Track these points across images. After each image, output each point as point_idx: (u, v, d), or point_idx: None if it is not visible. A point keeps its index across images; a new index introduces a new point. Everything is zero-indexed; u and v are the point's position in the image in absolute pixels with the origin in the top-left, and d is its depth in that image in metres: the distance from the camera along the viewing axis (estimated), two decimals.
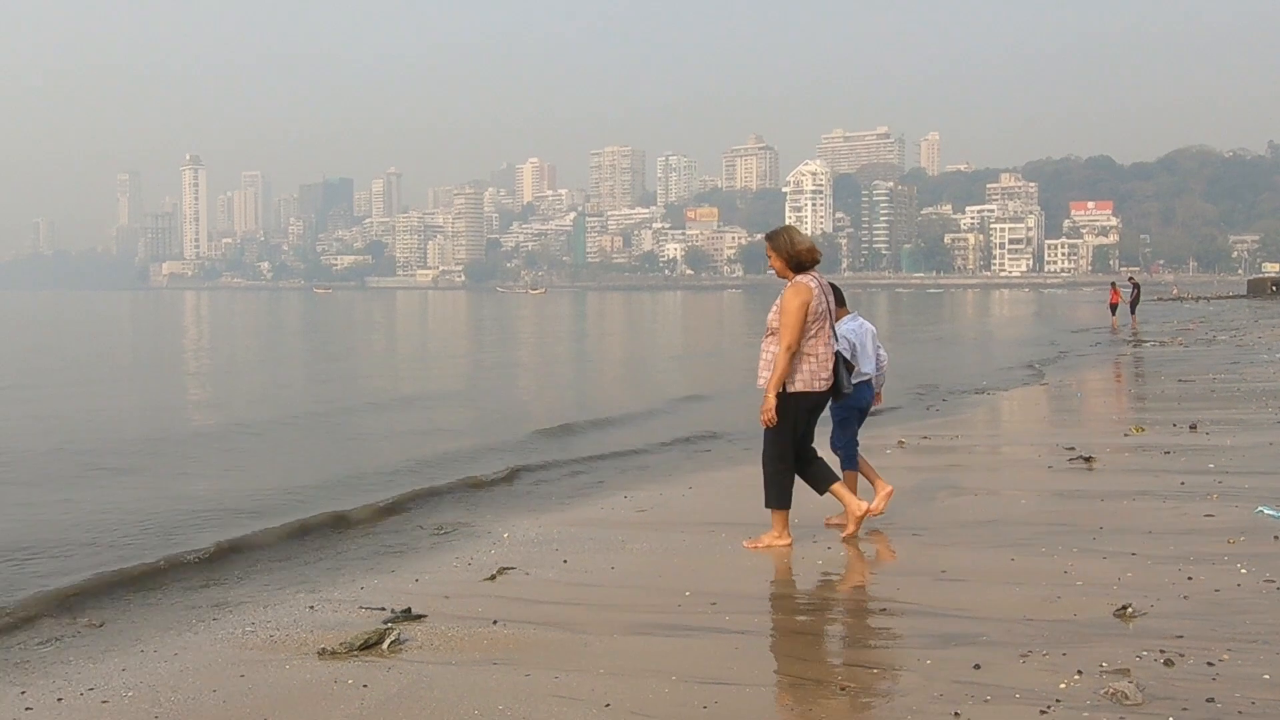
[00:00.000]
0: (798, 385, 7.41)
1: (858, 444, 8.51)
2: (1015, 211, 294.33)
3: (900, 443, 12.81)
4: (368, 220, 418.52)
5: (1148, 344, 32.39)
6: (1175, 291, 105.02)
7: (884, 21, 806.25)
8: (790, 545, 7.64)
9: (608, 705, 4.77)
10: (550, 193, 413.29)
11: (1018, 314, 74.50)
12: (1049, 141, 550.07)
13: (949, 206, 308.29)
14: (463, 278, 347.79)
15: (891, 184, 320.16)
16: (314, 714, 4.84)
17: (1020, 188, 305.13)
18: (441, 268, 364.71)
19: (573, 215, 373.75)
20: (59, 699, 5.26)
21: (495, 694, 4.98)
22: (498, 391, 24.15)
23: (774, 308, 7.55)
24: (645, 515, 9.34)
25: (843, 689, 4.79)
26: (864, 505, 7.78)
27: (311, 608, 6.78)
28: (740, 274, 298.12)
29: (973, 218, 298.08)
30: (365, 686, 5.16)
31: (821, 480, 7.71)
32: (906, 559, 7.20)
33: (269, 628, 6.34)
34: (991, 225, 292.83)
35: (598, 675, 5.21)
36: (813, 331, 7.42)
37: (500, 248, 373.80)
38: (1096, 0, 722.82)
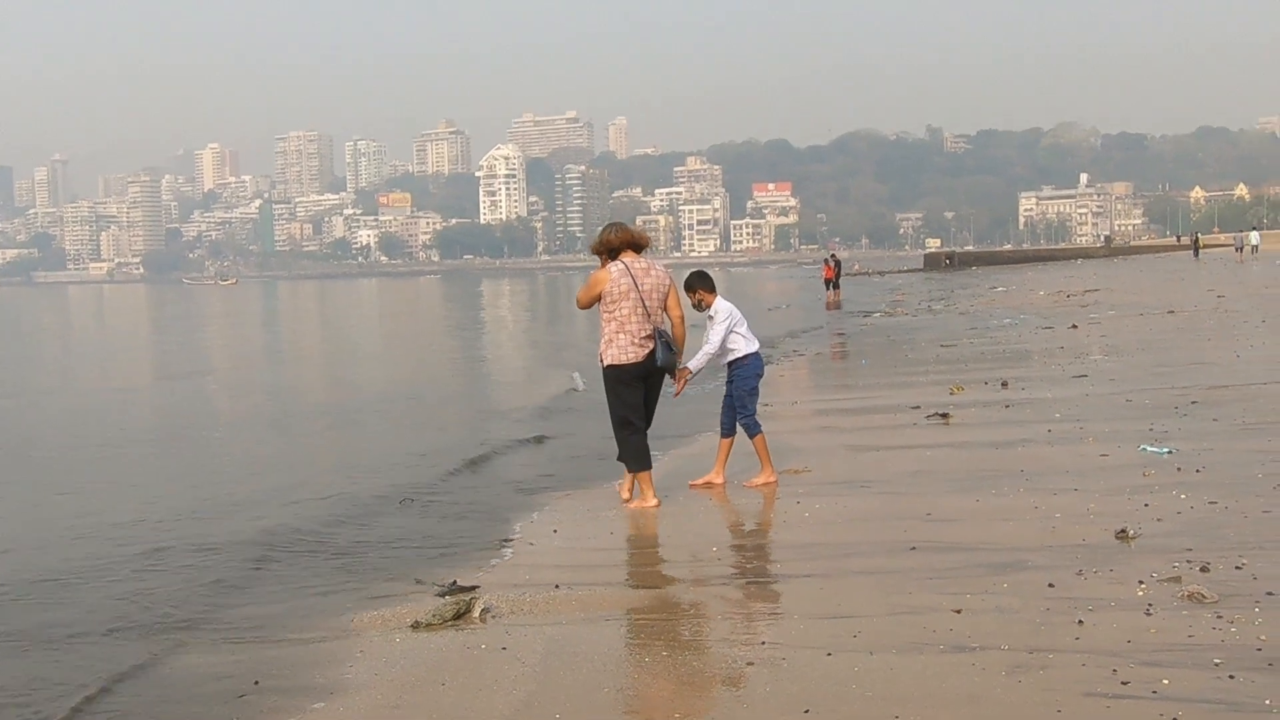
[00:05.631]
0: (608, 359, 8.34)
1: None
2: (702, 193, 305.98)
3: None
4: (31, 211, 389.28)
5: (875, 314, 34.77)
6: (857, 268, 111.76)
7: (566, 11, 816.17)
8: (657, 505, 8.36)
9: (764, 643, 5.21)
10: (233, 179, 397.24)
11: (725, 292, 77.64)
12: (731, 125, 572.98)
13: (639, 189, 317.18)
14: (141, 270, 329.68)
15: (583, 168, 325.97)
16: (488, 677, 5.03)
17: (706, 170, 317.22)
18: (117, 260, 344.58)
19: (258, 202, 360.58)
20: None
21: (650, 645, 5.31)
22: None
23: None
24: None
25: (956, 611, 5.41)
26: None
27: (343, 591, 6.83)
28: (437, 259, 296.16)
29: (662, 200, 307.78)
30: (504, 649, 5.38)
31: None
32: (882, 508, 7.90)
33: (322, 612, 6.36)
34: (680, 207, 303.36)
35: (732, 619, 5.65)
36: (624, 311, 8.26)
37: (181, 237, 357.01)
38: None
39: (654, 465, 8.69)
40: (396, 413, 16.42)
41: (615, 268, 8.34)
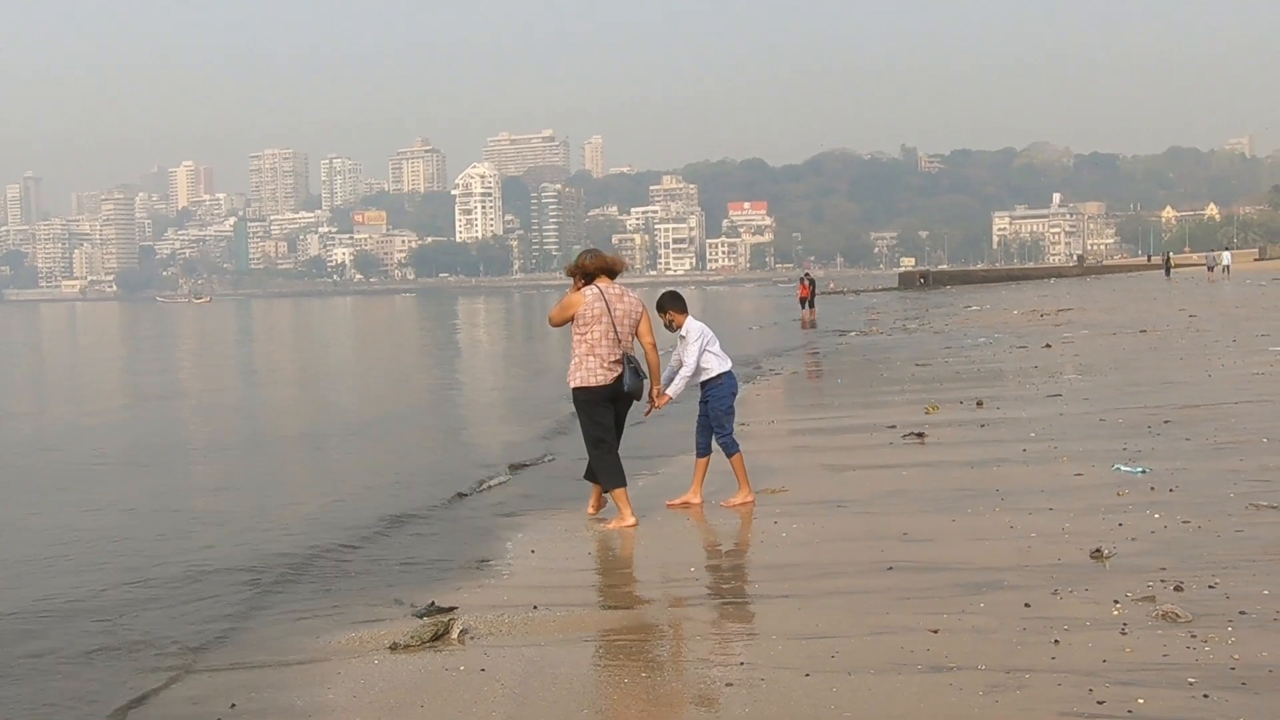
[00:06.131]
0: (575, 381, 8.48)
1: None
2: (678, 212, 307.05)
3: None
4: (3, 229, 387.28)
5: (851, 333, 34.92)
6: (832, 286, 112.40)
7: (542, 24, 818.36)
8: (635, 525, 8.39)
9: (742, 663, 5.23)
10: (208, 197, 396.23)
11: (701, 311, 77.76)
12: (706, 145, 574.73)
13: (615, 208, 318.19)
14: (114, 288, 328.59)
15: (559, 186, 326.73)
16: (466, 698, 5.02)
17: (681, 189, 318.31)
18: (90, 278, 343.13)
19: (233, 220, 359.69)
20: None
21: (628, 666, 5.32)
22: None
23: None
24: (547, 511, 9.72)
25: (933, 631, 5.44)
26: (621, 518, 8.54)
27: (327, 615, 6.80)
28: (413, 277, 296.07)
29: (638, 219, 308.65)
30: (483, 670, 5.37)
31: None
32: (859, 528, 7.93)
33: (300, 634, 6.34)
34: (656, 226, 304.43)
35: (710, 639, 5.67)
36: (595, 334, 8.40)
37: (155, 255, 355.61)
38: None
39: (632, 485, 8.72)
40: (381, 436, 16.29)
41: (590, 292, 8.46)
